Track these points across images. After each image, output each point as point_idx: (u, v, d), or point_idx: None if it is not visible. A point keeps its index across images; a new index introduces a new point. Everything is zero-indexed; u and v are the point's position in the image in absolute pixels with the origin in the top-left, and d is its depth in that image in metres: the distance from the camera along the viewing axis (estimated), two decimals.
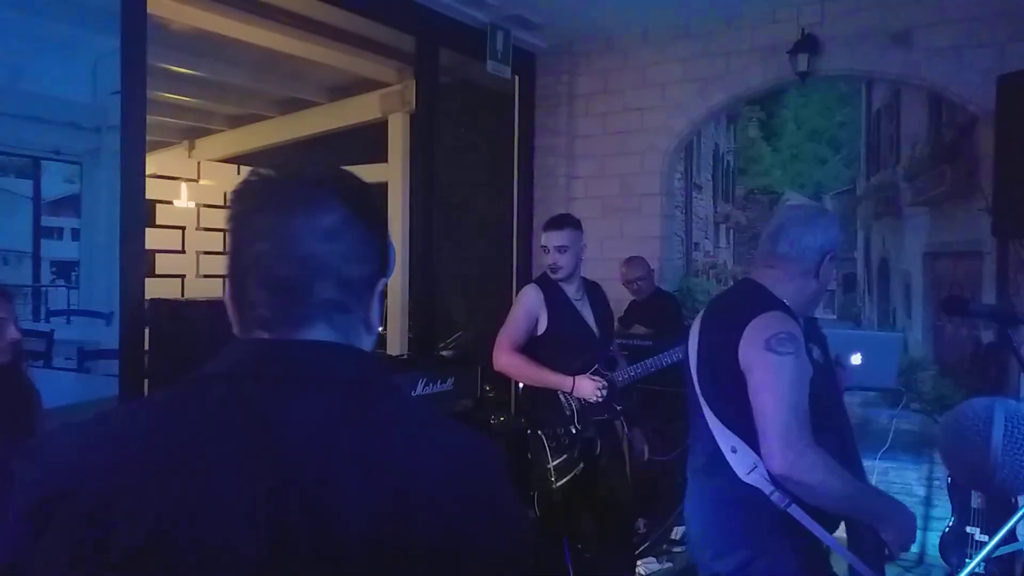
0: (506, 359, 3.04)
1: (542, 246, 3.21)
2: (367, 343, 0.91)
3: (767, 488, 1.80)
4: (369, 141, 6.34)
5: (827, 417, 1.88)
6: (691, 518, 2.05)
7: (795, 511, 1.81)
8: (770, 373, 1.79)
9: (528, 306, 3.12)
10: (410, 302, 5.10)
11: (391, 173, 6.18)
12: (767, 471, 1.78)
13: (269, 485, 0.76)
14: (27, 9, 2.77)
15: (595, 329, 3.16)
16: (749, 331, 1.85)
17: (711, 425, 1.93)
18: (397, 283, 4.95)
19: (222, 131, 6.96)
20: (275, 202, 0.86)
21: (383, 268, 0.91)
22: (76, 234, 3.01)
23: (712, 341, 1.97)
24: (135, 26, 3.18)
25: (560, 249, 3.12)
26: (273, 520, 0.75)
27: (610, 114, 5.07)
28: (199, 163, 5.91)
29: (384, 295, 0.95)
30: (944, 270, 4.30)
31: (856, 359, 3.56)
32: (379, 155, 6.24)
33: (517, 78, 5.28)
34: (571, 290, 3.16)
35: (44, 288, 2.85)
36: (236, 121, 6.91)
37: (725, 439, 1.90)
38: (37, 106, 2.85)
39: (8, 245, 2.76)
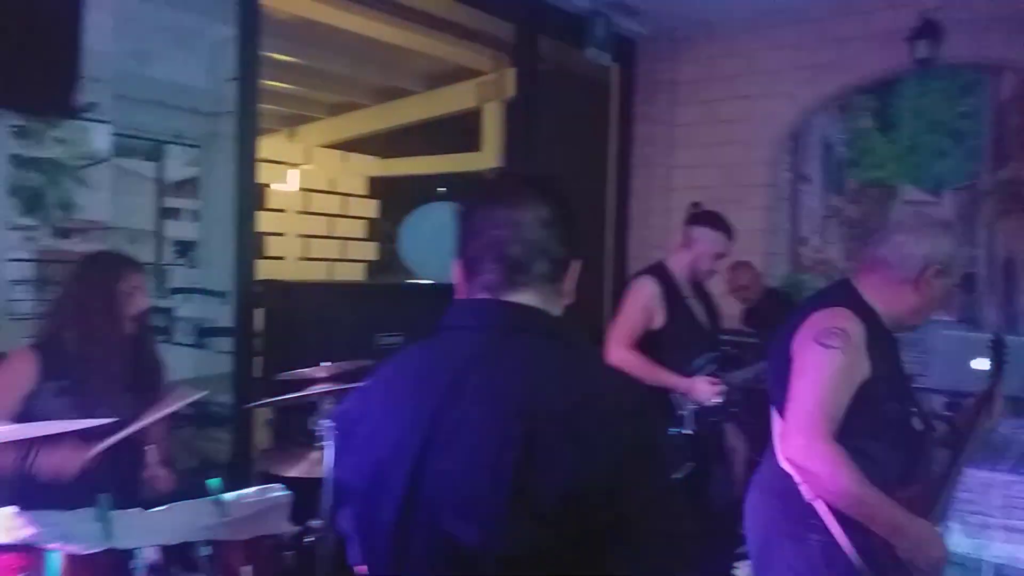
0: (620, 355, 2.92)
1: (694, 240, 3.01)
2: (557, 309, 1.22)
3: (798, 478, 1.85)
4: (462, 130, 6.44)
5: (890, 429, 1.87)
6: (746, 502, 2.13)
7: (819, 506, 1.85)
8: (809, 363, 1.85)
9: (644, 300, 2.98)
10: None
11: (484, 162, 6.26)
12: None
13: (507, 414, 1.04)
14: (155, 0, 2.94)
15: (708, 327, 3.10)
16: (808, 322, 1.90)
17: (772, 412, 1.99)
18: None
19: (321, 119, 7.16)
20: (507, 199, 1.19)
21: (575, 252, 1.22)
22: (195, 215, 3.17)
23: (780, 331, 2.00)
24: (250, 15, 3.34)
25: (719, 257, 3.03)
26: (509, 442, 1.02)
27: (714, 102, 5.00)
28: (310, 149, 6.11)
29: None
30: None
31: (981, 363, 3.43)
32: (472, 144, 6.33)
33: (617, 66, 5.27)
34: (685, 285, 3.05)
35: (165, 266, 3.01)
36: (334, 109, 7.09)
37: (776, 426, 1.97)
38: (161, 92, 3.02)
39: (134, 224, 2.93)
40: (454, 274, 1.23)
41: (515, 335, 1.15)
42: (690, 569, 1.07)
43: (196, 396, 2.30)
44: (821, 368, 1.82)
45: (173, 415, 2.75)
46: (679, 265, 3.06)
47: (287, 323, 3.25)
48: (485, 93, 6.14)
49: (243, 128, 3.31)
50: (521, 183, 1.24)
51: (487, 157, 6.16)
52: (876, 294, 1.95)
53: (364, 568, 1.20)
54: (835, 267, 4.79)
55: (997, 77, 4.33)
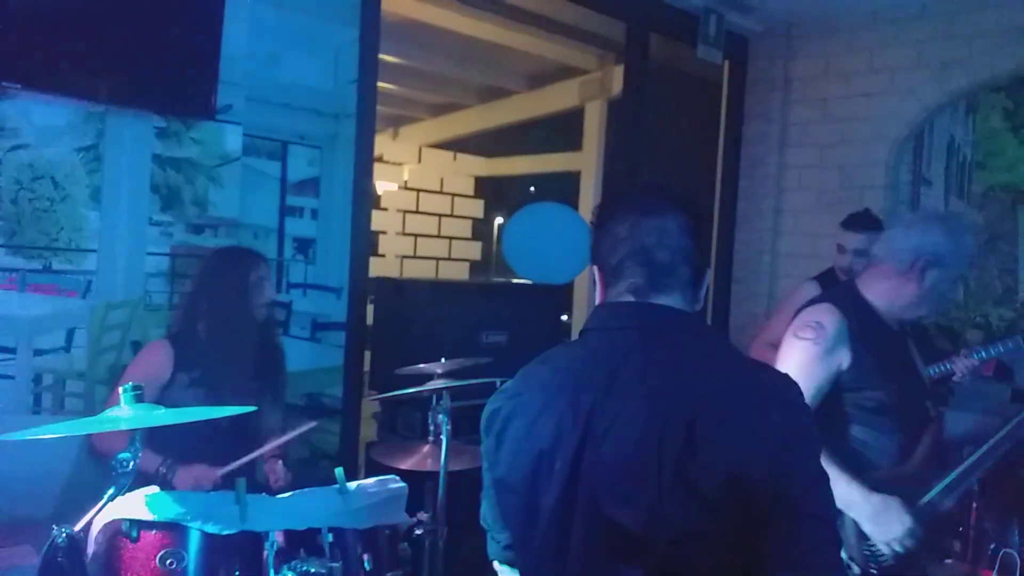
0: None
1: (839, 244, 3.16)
2: (694, 311, 1.31)
3: None
4: (563, 129, 6.46)
5: (874, 415, 2.03)
6: None
7: None
8: (785, 353, 2.07)
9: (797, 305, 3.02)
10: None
11: (585, 162, 6.29)
12: None
13: (668, 405, 1.14)
14: (282, 5, 3.08)
15: None
16: (795, 319, 2.13)
17: None
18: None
19: (424, 119, 7.34)
20: (653, 208, 1.29)
21: (709, 260, 1.25)
22: (314, 213, 3.31)
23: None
24: (371, 18, 3.46)
25: (859, 253, 3.01)
26: (671, 431, 1.11)
27: (831, 100, 4.85)
28: (418, 148, 6.27)
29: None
30: None
31: None
32: (574, 144, 6.35)
33: (727, 63, 5.19)
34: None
35: (285, 262, 3.16)
36: (436, 110, 7.26)
37: None
38: (287, 94, 3.16)
39: (259, 221, 3.08)
40: (595, 279, 1.35)
41: (664, 334, 1.25)
42: (839, 551, 1.15)
43: (311, 425, 2.45)
44: (793, 357, 2.04)
45: (289, 407, 2.91)
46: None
47: (395, 318, 3.35)
48: (588, 92, 6.15)
49: (361, 129, 3.44)
50: (662, 193, 1.33)
51: (588, 156, 6.18)
52: (873, 290, 2.12)
53: (504, 562, 1.28)
54: None
55: None
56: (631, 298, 1.28)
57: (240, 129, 2.97)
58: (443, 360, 2.50)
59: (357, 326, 3.45)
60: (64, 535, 1.52)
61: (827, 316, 2.06)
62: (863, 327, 2.06)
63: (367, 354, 3.52)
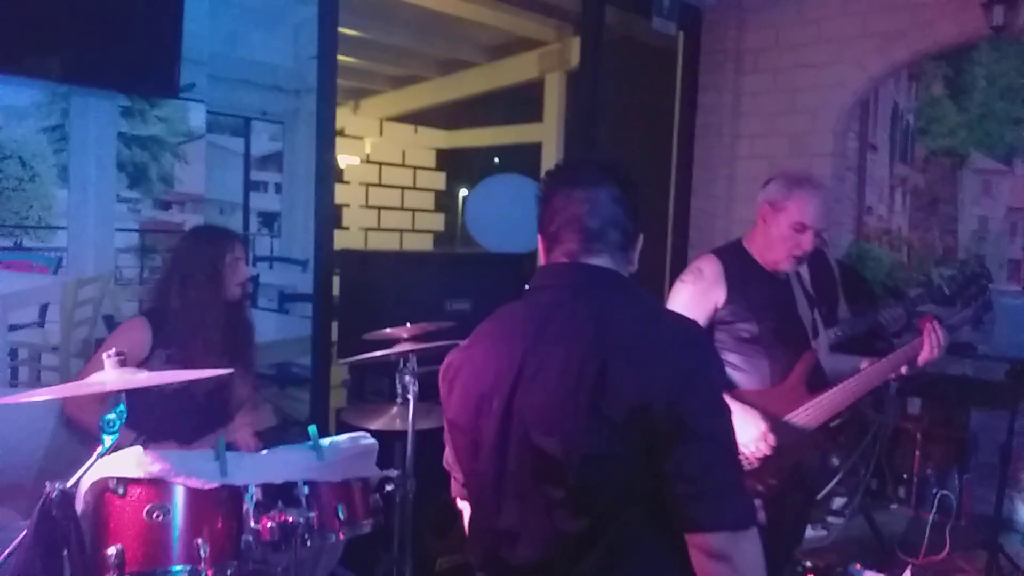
0: None
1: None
2: (626, 274, 1.50)
3: None
4: (524, 101, 6.56)
5: (747, 344, 2.40)
6: None
7: None
8: (672, 295, 2.47)
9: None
10: None
11: (546, 133, 6.40)
12: None
13: (584, 348, 1.33)
14: None
15: None
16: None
17: None
18: None
19: (384, 91, 7.39)
20: (585, 180, 1.47)
21: (640, 227, 1.51)
22: (278, 188, 3.42)
23: None
24: None
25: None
26: (587, 370, 1.31)
27: (781, 70, 5.04)
28: (377, 122, 6.34)
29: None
30: None
31: None
32: (533, 115, 6.46)
33: (681, 34, 5.34)
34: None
35: (252, 236, 3.27)
36: (397, 82, 7.31)
37: None
38: (248, 71, 3.25)
39: (224, 196, 3.18)
40: (539, 246, 1.53)
41: (589, 289, 1.43)
42: (741, 474, 1.34)
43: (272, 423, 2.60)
44: (676, 297, 2.44)
45: (259, 377, 3.04)
46: None
47: (362, 290, 3.48)
48: (547, 64, 6.25)
49: (323, 104, 3.54)
50: (595, 166, 1.52)
51: (549, 128, 6.30)
52: (751, 241, 2.50)
53: (463, 499, 1.46)
54: (900, 236, 4.82)
55: None
56: (565, 259, 1.46)
57: (203, 106, 3.06)
58: (408, 324, 2.64)
59: (324, 297, 3.58)
60: (58, 490, 1.65)
61: (706, 262, 2.48)
62: (740, 272, 2.45)
63: (334, 324, 3.65)
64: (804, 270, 3.09)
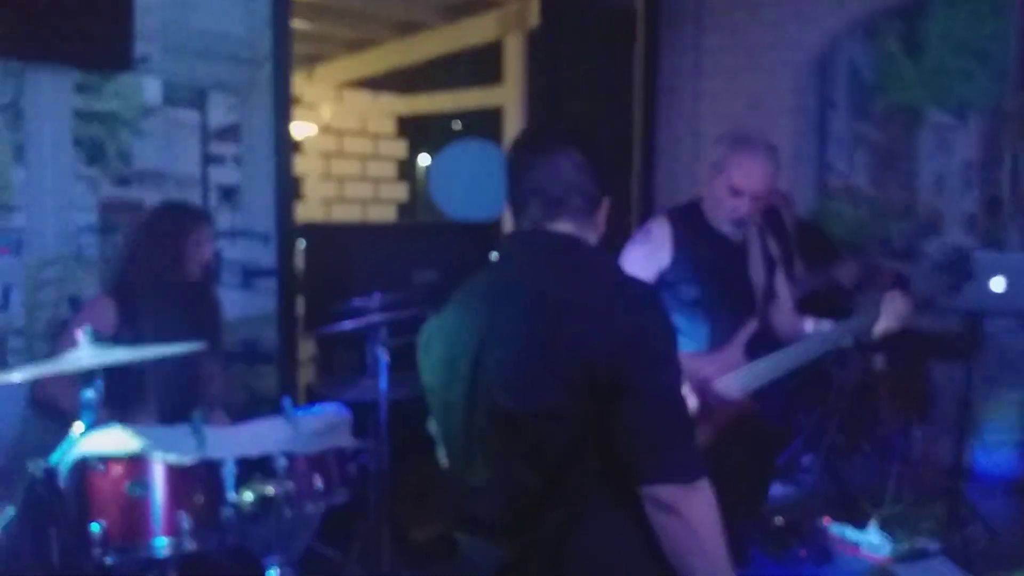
0: None
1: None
2: (593, 238, 1.59)
3: None
4: (483, 63, 6.58)
5: (689, 307, 2.45)
6: None
7: None
8: (624, 253, 2.50)
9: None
10: None
11: (507, 96, 6.43)
12: None
13: (539, 310, 1.45)
14: None
15: None
16: None
17: None
18: None
19: (339, 56, 7.34)
20: (545, 148, 1.56)
21: (604, 191, 1.59)
22: (237, 160, 3.44)
23: None
24: None
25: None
26: (541, 330, 1.42)
27: (741, 28, 5.14)
28: (341, 89, 6.30)
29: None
30: None
31: (998, 284, 3.67)
32: (493, 78, 6.48)
33: None
34: None
35: (211, 210, 3.30)
36: (352, 46, 7.27)
37: None
38: (202, 41, 3.26)
39: (183, 171, 3.20)
40: (508, 213, 1.62)
41: (549, 254, 1.54)
42: (689, 429, 1.45)
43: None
44: (624, 257, 2.47)
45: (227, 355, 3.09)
46: None
47: (328, 263, 3.54)
48: (506, 24, 6.27)
49: (278, 73, 3.56)
50: (556, 134, 1.63)
51: (510, 91, 6.33)
52: (703, 195, 2.54)
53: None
54: (860, 192, 4.98)
55: None
56: (529, 225, 1.56)
57: (159, 80, 3.07)
58: (377, 296, 2.71)
59: (287, 271, 3.64)
60: (43, 469, 1.72)
61: (656, 223, 2.54)
62: (689, 234, 2.48)
63: (300, 299, 3.71)
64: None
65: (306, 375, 3.84)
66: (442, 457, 1.70)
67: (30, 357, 2.79)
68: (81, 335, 1.79)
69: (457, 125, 6.85)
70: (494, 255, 1.63)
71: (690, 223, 2.51)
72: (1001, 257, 4.34)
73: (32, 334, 2.81)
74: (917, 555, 3.57)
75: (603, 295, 1.46)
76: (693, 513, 1.38)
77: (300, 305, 3.76)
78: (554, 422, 1.42)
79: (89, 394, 1.78)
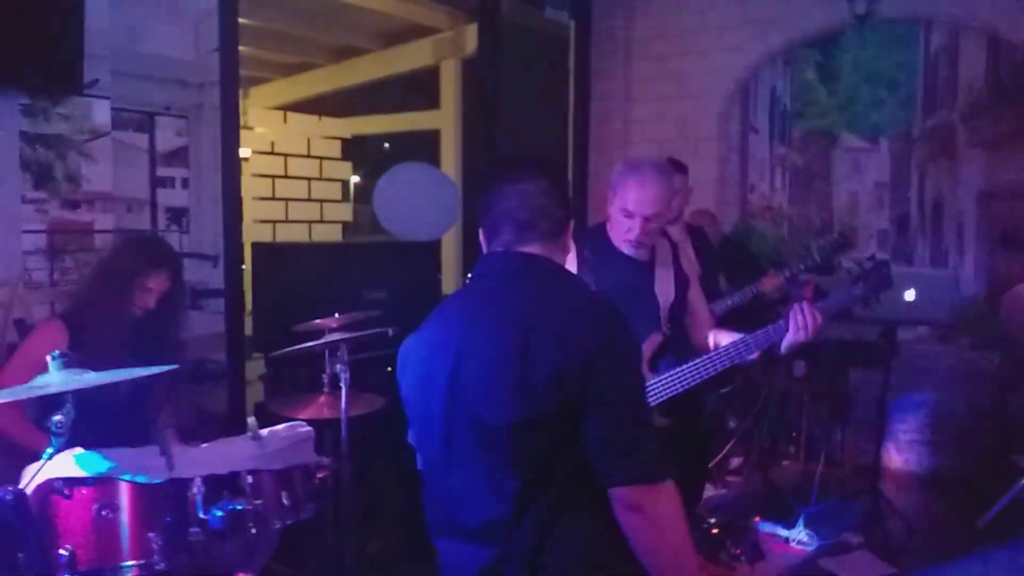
0: None
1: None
2: (561, 258, 1.69)
3: None
4: (420, 88, 6.63)
5: None
6: None
7: None
8: None
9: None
10: (464, 247, 5.48)
11: (443, 120, 6.49)
12: None
13: (511, 327, 1.51)
14: None
15: None
16: None
17: None
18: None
19: (275, 79, 7.29)
20: (514, 176, 1.65)
21: (570, 215, 1.69)
22: (186, 183, 3.41)
23: None
24: None
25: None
26: (513, 346, 1.49)
27: (667, 58, 5.33)
28: (248, 110, 6.25)
29: None
30: (999, 210, 4.57)
31: (910, 295, 3.89)
32: (430, 102, 6.54)
33: (573, 23, 5.55)
34: None
35: (161, 233, 3.26)
36: (288, 70, 7.23)
37: None
38: (151, 65, 3.23)
39: (131, 193, 3.16)
40: (481, 238, 1.70)
41: (519, 275, 1.62)
42: (651, 434, 1.53)
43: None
44: None
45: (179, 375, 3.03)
46: None
47: (277, 283, 3.52)
48: (442, 51, 6.34)
49: (226, 97, 3.54)
50: (525, 165, 1.71)
51: (446, 115, 6.40)
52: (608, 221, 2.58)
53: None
54: (781, 211, 5.21)
55: (928, 30, 4.73)
56: (500, 248, 1.65)
57: (108, 103, 3.03)
58: (336, 315, 2.72)
59: (235, 291, 3.60)
60: (11, 493, 1.68)
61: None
62: (594, 254, 2.52)
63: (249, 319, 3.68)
64: (689, 250, 3.32)
65: (255, 393, 3.79)
66: (421, 465, 1.73)
67: None
68: (50, 360, 1.75)
69: (386, 146, 6.87)
70: (468, 276, 1.69)
71: (595, 243, 2.56)
72: (910, 271, 4.62)
73: None
74: (841, 549, 3.74)
75: (570, 312, 1.54)
76: (658, 511, 1.46)
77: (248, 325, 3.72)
78: (530, 432, 1.49)
79: (57, 418, 1.75)
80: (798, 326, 2.42)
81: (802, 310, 2.43)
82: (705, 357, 2.49)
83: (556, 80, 5.72)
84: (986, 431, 4.55)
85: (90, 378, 1.78)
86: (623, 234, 2.48)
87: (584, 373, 1.46)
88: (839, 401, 4.78)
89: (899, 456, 4.80)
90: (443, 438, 1.59)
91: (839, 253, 3.44)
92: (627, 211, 2.43)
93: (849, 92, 4.93)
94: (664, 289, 2.62)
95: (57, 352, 1.78)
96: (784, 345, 2.47)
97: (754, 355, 2.49)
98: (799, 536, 3.80)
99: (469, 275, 1.72)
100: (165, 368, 1.92)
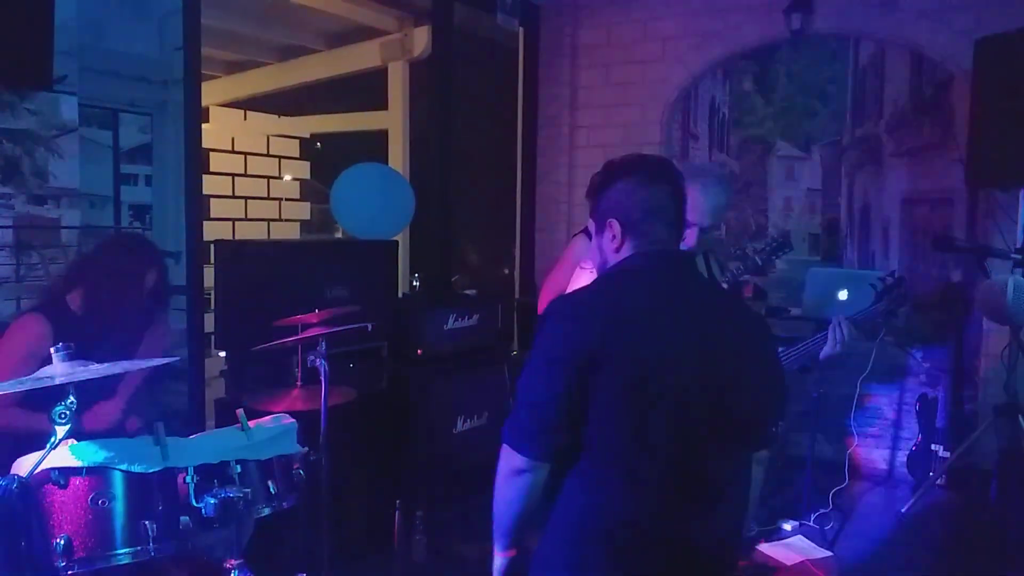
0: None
1: None
2: None
3: None
4: (366, 89, 6.67)
5: None
6: None
7: None
8: (574, 283, 2.59)
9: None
10: (412, 246, 5.56)
11: (391, 121, 6.55)
12: None
13: (697, 329, 1.61)
14: None
15: None
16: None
17: None
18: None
19: (219, 77, 7.22)
20: (664, 175, 1.69)
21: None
22: (149, 180, 3.41)
23: None
24: None
25: None
26: (701, 348, 1.59)
27: (612, 66, 5.51)
28: (208, 108, 6.20)
29: None
30: (920, 215, 4.90)
31: (843, 294, 4.15)
32: (376, 103, 6.59)
33: (522, 30, 5.69)
34: None
35: (124, 230, 3.26)
36: (233, 67, 7.17)
37: None
38: (115, 62, 3.22)
39: (94, 190, 3.14)
40: (613, 230, 1.68)
41: (694, 274, 1.81)
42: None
43: None
44: (576, 282, 2.52)
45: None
46: None
47: (240, 280, 3.53)
48: (390, 53, 6.40)
49: (189, 94, 3.54)
50: (668, 164, 1.75)
51: (394, 116, 6.46)
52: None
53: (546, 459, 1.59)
54: None
55: (857, 46, 5.04)
56: (655, 247, 1.67)
57: (76, 99, 3.01)
58: (316, 310, 2.78)
59: (196, 288, 3.61)
60: (16, 482, 1.71)
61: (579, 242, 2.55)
62: None
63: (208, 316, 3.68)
64: None
65: (215, 390, 3.80)
66: (544, 453, 1.61)
67: None
68: (54, 352, 1.79)
69: (318, 145, 6.92)
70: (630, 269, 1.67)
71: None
72: (840, 271, 4.90)
73: None
74: (778, 534, 3.97)
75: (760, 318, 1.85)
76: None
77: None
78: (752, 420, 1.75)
79: (61, 407, 1.78)
80: (836, 340, 2.54)
81: (840, 325, 2.55)
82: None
83: (506, 84, 5.85)
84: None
85: (95, 369, 1.81)
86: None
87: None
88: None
89: (829, 447, 5.09)
90: (679, 420, 1.57)
91: (778, 254, 3.66)
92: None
93: (784, 102, 5.20)
94: None
95: (61, 344, 1.81)
96: (822, 355, 2.59)
97: (795, 367, 2.57)
98: None
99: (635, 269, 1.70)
100: (165, 360, 1.96)
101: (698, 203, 2.35)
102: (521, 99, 5.84)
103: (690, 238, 2.37)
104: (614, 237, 1.68)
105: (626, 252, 1.69)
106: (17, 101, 2.84)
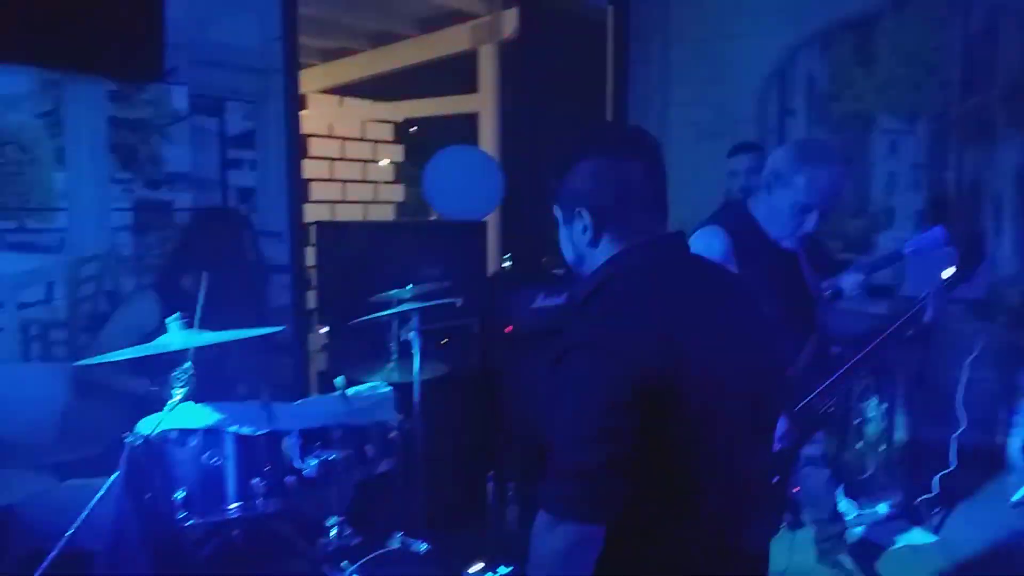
0: None
1: None
2: None
3: None
4: (457, 72, 6.81)
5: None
6: None
7: None
8: None
9: None
10: (503, 227, 5.66)
11: (481, 103, 6.67)
12: None
13: (725, 328, 1.43)
14: None
15: None
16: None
17: None
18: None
19: (315, 64, 7.49)
20: (637, 149, 1.48)
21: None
22: (253, 164, 3.62)
23: None
24: None
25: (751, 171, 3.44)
26: (733, 348, 1.41)
27: (705, 41, 5.46)
28: (305, 95, 6.48)
29: None
30: None
31: (947, 273, 4.01)
32: (467, 86, 6.72)
33: (611, 8, 5.69)
34: None
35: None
36: (328, 55, 7.42)
37: None
38: (220, 53, 3.43)
39: (205, 175, 3.37)
40: (584, 220, 1.46)
41: (697, 263, 1.55)
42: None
43: None
44: None
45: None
46: None
47: (338, 259, 3.73)
48: (479, 36, 6.51)
49: (288, 82, 3.74)
50: (642, 134, 1.51)
51: (484, 99, 6.58)
52: (757, 209, 2.36)
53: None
54: None
55: (967, 12, 4.83)
56: (646, 236, 1.46)
57: (186, 89, 3.24)
58: (409, 287, 2.93)
59: (299, 266, 3.83)
60: (141, 439, 1.90)
61: (714, 237, 2.31)
62: (748, 247, 2.27)
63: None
64: None
65: (319, 363, 4.02)
66: (608, 511, 1.33)
67: (72, 347, 2.93)
68: (170, 322, 1.97)
69: (413, 129, 7.09)
70: (543, 260, 1.66)
71: (746, 234, 2.31)
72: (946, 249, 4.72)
73: (74, 326, 2.95)
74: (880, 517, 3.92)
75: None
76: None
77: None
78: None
79: (177, 374, 1.97)
80: (936, 308, 2.37)
81: (939, 294, 2.38)
82: (869, 348, 2.31)
83: (594, 64, 5.87)
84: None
85: (205, 338, 1.98)
86: (793, 228, 2.25)
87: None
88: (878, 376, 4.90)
89: (935, 429, 4.92)
90: (741, 440, 1.42)
91: (876, 234, 3.42)
92: (805, 204, 2.19)
93: (886, 74, 5.03)
94: (813, 282, 2.45)
95: (178, 314, 1.99)
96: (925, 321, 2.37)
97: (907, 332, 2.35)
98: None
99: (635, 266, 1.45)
100: (274, 329, 2.13)
101: (828, 186, 2.21)
102: (611, 78, 5.85)
103: (810, 222, 2.23)
104: (586, 229, 1.45)
105: (607, 247, 1.45)
106: (134, 92, 3.07)
